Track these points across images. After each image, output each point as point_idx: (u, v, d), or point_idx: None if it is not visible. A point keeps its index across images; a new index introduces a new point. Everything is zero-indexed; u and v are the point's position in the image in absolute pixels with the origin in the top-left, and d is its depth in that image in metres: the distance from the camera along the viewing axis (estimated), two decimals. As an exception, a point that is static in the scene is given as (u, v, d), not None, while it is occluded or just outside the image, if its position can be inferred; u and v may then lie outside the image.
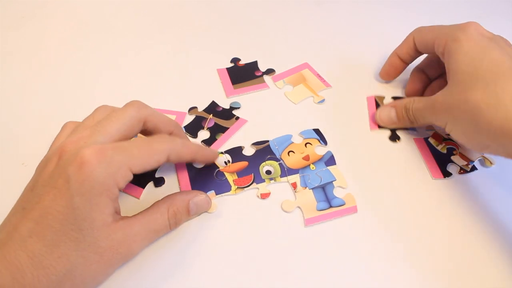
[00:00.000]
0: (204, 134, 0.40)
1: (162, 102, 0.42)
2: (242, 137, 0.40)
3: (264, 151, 0.39)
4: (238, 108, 0.42)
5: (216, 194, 0.36)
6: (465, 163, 0.38)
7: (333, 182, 0.37)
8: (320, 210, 0.35)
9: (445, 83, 0.35)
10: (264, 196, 0.36)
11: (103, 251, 0.27)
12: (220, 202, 0.35)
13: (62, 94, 0.44)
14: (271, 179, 0.37)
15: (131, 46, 0.49)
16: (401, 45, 0.42)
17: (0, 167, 0.38)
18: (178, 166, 0.37)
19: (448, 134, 0.38)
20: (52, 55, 0.48)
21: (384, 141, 0.40)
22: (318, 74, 0.46)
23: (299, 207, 0.35)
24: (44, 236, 0.26)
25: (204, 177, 0.37)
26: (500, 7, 0.55)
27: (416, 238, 0.34)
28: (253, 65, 0.47)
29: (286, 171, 0.37)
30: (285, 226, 0.34)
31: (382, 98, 0.44)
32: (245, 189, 0.36)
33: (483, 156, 0.39)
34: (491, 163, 0.39)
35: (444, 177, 0.38)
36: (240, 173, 0.37)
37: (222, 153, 0.38)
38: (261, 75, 0.46)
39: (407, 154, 0.39)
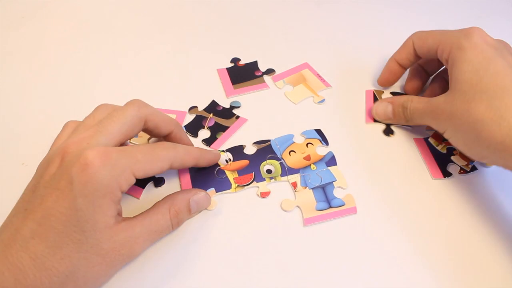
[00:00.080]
0: (204, 133, 0.40)
1: (162, 102, 0.42)
2: (242, 136, 0.40)
3: (265, 150, 0.39)
4: (238, 107, 0.43)
5: (217, 191, 0.36)
6: (465, 163, 0.38)
7: (333, 182, 0.37)
8: (320, 210, 0.35)
9: (446, 83, 0.35)
10: (264, 195, 0.36)
11: (106, 252, 0.27)
12: (220, 200, 0.35)
13: (62, 94, 0.44)
14: (271, 178, 0.37)
15: (131, 46, 0.49)
16: (399, 50, 0.41)
17: (0, 167, 0.38)
18: None
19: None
20: (52, 55, 0.48)
21: (384, 141, 0.40)
22: (318, 74, 0.46)
23: (298, 206, 0.35)
24: (46, 238, 0.26)
25: (205, 174, 0.37)
26: (500, 7, 0.55)
27: (416, 238, 0.34)
28: (253, 65, 0.47)
29: (286, 171, 0.37)
30: (284, 226, 0.34)
31: (381, 92, 0.44)
32: (245, 187, 0.36)
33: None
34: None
35: (444, 177, 0.38)
36: (241, 172, 0.37)
37: (223, 151, 0.38)
38: (261, 75, 0.46)
39: (407, 154, 0.39)
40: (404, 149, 0.40)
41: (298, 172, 0.37)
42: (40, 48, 0.49)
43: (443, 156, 0.39)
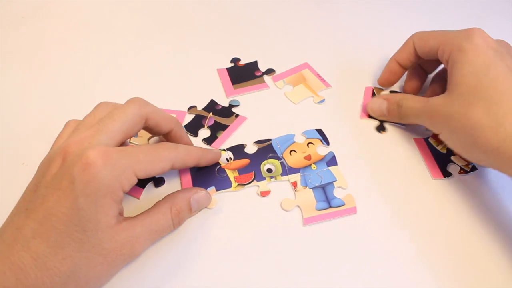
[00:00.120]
0: (204, 133, 0.40)
1: (163, 102, 0.42)
2: (242, 134, 0.40)
3: (266, 149, 0.39)
4: (237, 105, 0.43)
5: (217, 190, 0.36)
6: (465, 163, 0.38)
7: (334, 182, 0.37)
8: (319, 210, 0.35)
9: (446, 84, 0.35)
10: (264, 194, 0.36)
11: (107, 252, 0.27)
12: (220, 199, 0.35)
13: (62, 94, 0.44)
14: (272, 177, 0.37)
15: (131, 46, 0.49)
16: (400, 50, 0.41)
17: (0, 167, 0.38)
18: None
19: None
20: (52, 55, 0.48)
21: (384, 141, 0.40)
22: (318, 74, 0.46)
23: (298, 206, 0.35)
24: (48, 238, 0.26)
25: (206, 173, 0.37)
26: (500, 7, 0.55)
27: (416, 238, 0.34)
28: (253, 65, 0.47)
29: (287, 170, 0.37)
30: (284, 225, 0.34)
31: (380, 90, 0.44)
32: (246, 186, 0.36)
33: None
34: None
35: (444, 177, 0.38)
36: (241, 171, 0.37)
37: (224, 150, 0.38)
38: (261, 75, 0.46)
39: (407, 154, 0.39)
40: (404, 149, 0.40)
41: (299, 172, 0.37)
42: (40, 48, 0.49)
43: (443, 156, 0.39)
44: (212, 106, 0.42)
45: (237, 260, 0.32)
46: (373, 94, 0.44)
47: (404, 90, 0.44)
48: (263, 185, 0.36)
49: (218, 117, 0.42)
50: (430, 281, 0.31)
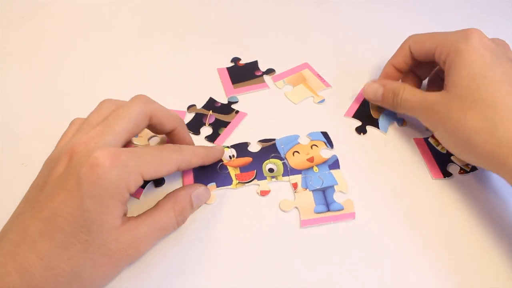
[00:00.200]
0: (206, 131, 0.40)
1: (163, 102, 0.41)
2: (244, 132, 0.40)
3: (269, 149, 0.39)
4: (236, 102, 0.43)
5: (217, 186, 0.36)
6: (465, 163, 0.38)
7: (334, 186, 0.36)
8: (318, 213, 0.35)
9: (443, 84, 0.35)
10: (264, 193, 0.36)
11: (112, 253, 0.27)
12: (220, 196, 0.36)
13: (62, 94, 0.44)
14: (273, 177, 0.37)
15: (131, 46, 0.49)
16: (396, 54, 0.41)
17: (0, 167, 0.38)
18: None
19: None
20: (52, 55, 0.48)
21: (384, 141, 0.40)
22: (318, 74, 0.46)
23: (296, 207, 0.35)
24: (53, 238, 0.26)
25: (207, 169, 0.37)
26: (500, 7, 0.55)
27: (416, 238, 0.34)
28: (253, 65, 0.47)
29: (288, 171, 0.37)
30: (281, 226, 0.34)
31: None
32: (246, 184, 0.36)
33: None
34: (491, 163, 0.39)
35: (444, 177, 0.38)
36: (243, 169, 0.37)
37: (227, 147, 0.39)
38: (261, 75, 0.46)
39: (407, 154, 0.39)
40: (404, 149, 0.40)
41: (300, 173, 0.37)
42: (40, 48, 0.49)
43: (443, 156, 0.39)
44: (211, 104, 0.43)
45: (233, 259, 0.32)
46: None
47: None
48: (263, 184, 0.36)
49: (218, 114, 0.42)
50: (430, 281, 0.31)
